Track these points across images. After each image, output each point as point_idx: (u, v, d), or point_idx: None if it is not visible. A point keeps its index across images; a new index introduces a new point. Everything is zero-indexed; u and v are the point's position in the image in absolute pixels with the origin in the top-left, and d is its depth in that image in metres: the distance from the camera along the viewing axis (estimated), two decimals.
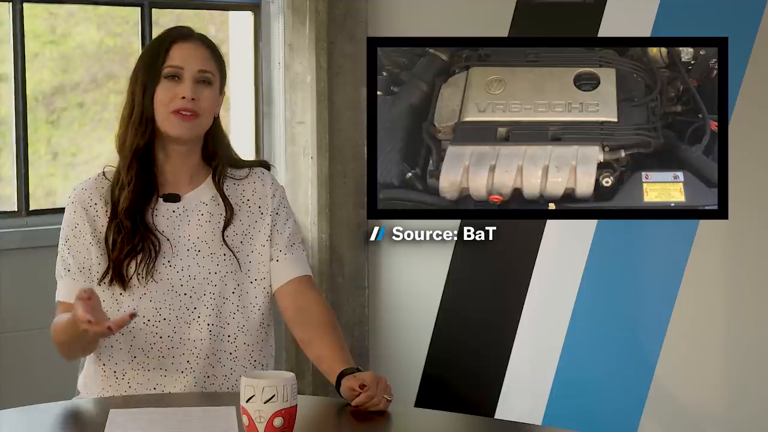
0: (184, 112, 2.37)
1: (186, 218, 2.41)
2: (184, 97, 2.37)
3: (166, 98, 2.38)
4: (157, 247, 2.37)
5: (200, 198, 2.43)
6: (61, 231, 2.44)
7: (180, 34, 2.43)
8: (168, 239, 2.39)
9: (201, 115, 2.39)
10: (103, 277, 2.38)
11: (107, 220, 2.39)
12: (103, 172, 2.44)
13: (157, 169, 2.42)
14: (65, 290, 2.41)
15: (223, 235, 2.41)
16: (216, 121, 2.47)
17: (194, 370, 2.39)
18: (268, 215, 2.45)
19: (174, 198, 2.42)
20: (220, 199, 2.43)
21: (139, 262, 2.36)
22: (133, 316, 2.17)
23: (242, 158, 2.53)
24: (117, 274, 2.37)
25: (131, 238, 2.36)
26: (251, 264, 2.43)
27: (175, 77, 2.38)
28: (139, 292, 2.37)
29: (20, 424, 2.18)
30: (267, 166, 2.53)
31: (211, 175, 2.46)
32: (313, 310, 2.41)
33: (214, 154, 2.46)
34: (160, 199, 2.41)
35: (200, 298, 2.39)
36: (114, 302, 2.38)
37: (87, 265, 2.40)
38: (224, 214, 2.43)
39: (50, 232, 3.82)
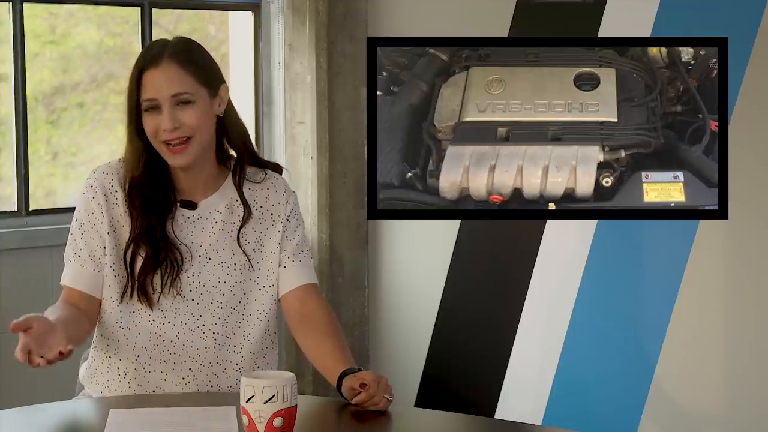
0: (173, 143, 2.34)
1: (200, 225, 2.40)
2: (165, 129, 2.34)
3: (151, 131, 2.35)
4: (180, 261, 2.36)
5: (215, 206, 2.42)
6: (76, 212, 2.41)
7: (149, 60, 2.37)
8: (186, 246, 2.38)
9: (192, 135, 2.35)
10: (123, 295, 2.36)
11: (125, 209, 2.37)
12: (123, 159, 2.42)
13: (173, 177, 2.40)
14: (72, 275, 2.38)
15: (238, 235, 2.40)
16: (228, 115, 2.43)
17: (197, 377, 2.38)
18: (280, 223, 2.44)
19: (191, 205, 2.41)
20: (236, 203, 2.42)
21: (163, 275, 2.35)
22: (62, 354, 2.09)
23: (258, 156, 2.50)
24: (142, 293, 2.35)
25: (151, 256, 2.34)
26: (261, 271, 2.42)
27: (154, 108, 2.35)
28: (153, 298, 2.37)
29: (20, 424, 2.18)
30: (280, 169, 2.52)
31: (227, 179, 2.44)
32: (316, 316, 2.40)
33: (229, 155, 2.45)
34: (177, 204, 2.40)
35: (207, 306, 2.38)
36: (129, 314, 2.37)
37: (98, 253, 2.38)
38: (237, 222, 2.41)
39: (50, 232, 3.82)
